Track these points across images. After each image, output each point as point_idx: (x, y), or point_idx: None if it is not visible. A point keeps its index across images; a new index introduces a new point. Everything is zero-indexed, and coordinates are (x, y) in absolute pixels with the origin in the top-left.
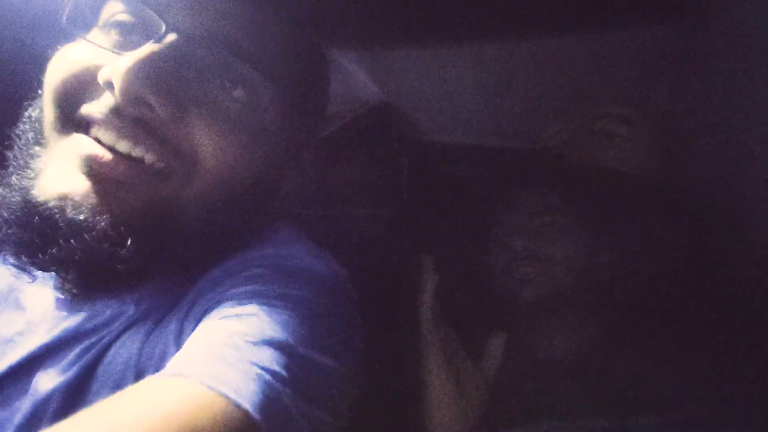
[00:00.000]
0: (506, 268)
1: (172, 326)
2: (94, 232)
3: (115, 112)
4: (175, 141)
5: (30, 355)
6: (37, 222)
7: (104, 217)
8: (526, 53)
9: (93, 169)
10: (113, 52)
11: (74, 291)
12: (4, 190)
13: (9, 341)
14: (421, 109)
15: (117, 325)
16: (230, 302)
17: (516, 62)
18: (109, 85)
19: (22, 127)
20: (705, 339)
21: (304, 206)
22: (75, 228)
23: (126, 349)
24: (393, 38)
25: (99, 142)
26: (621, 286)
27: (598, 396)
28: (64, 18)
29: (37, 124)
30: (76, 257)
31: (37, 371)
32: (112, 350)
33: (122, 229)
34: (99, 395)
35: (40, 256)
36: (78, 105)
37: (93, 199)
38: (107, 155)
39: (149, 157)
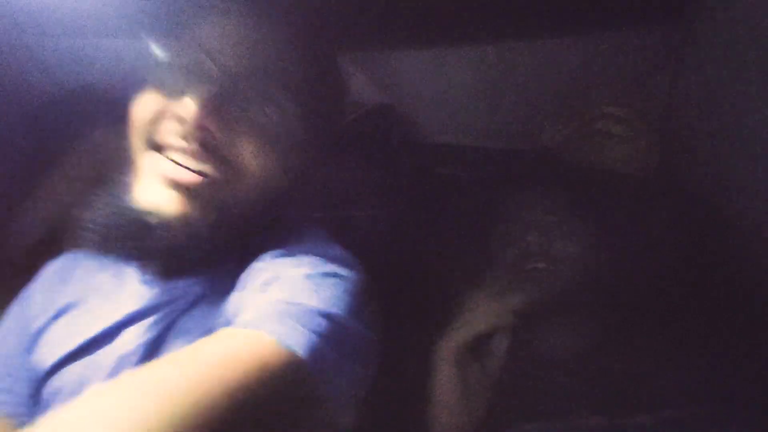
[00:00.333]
0: (515, 262)
1: (231, 300)
2: (176, 230)
3: (186, 138)
4: (229, 157)
5: (119, 322)
6: (135, 224)
7: (183, 218)
8: (525, 55)
9: (173, 184)
10: (179, 93)
11: (157, 274)
12: (103, 200)
13: (101, 315)
14: (421, 111)
15: (188, 299)
16: (286, 278)
17: (515, 64)
18: (181, 120)
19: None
20: (704, 339)
21: (305, 208)
22: (163, 227)
23: (194, 318)
24: (393, 40)
25: (175, 162)
26: (621, 286)
27: (598, 395)
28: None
29: (124, 151)
30: (164, 249)
31: (123, 333)
32: (185, 317)
33: (195, 226)
34: (175, 348)
35: (135, 249)
36: (156, 133)
37: (175, 206)
38: (184, 173)
39: (211, 171)
